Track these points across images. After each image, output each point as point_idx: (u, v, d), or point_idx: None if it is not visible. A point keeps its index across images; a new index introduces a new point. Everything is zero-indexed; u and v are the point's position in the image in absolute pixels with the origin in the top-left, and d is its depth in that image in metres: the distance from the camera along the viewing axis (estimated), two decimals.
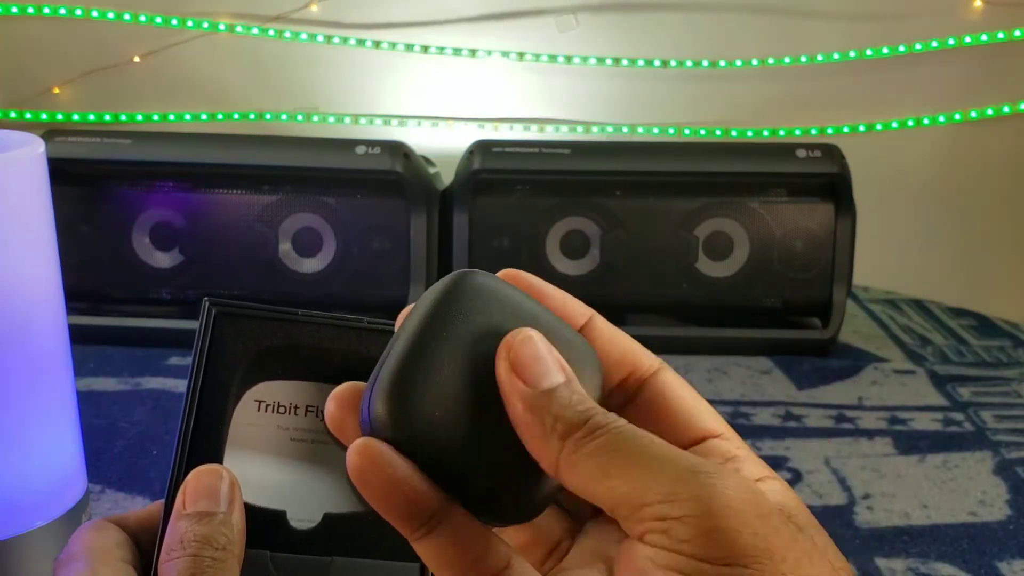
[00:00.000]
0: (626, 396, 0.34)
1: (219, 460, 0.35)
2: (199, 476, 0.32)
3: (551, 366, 0.30)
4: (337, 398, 0.31)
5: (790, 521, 0.29)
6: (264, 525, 0.35)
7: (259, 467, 0.36)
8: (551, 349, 0.30)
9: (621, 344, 0.34)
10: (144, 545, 0.34)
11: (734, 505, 0.27)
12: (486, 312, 0.31)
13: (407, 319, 0.31)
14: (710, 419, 0.33)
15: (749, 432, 0.86)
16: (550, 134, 1.60)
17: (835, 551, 0.30)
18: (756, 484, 0.29)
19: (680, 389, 0.34)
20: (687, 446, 0.33)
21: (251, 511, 0.33)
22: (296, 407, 0.37)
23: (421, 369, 0.29)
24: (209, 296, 0.36)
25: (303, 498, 0.36)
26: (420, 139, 1.55)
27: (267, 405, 0.36)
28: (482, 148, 1.04)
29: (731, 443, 0.33)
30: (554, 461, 0.29)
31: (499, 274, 0.34)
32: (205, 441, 0.35)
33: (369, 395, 0.30)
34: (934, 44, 1.57)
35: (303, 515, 0.36)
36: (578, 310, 0.34)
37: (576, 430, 0.29)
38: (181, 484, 0.32)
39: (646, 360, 0.34)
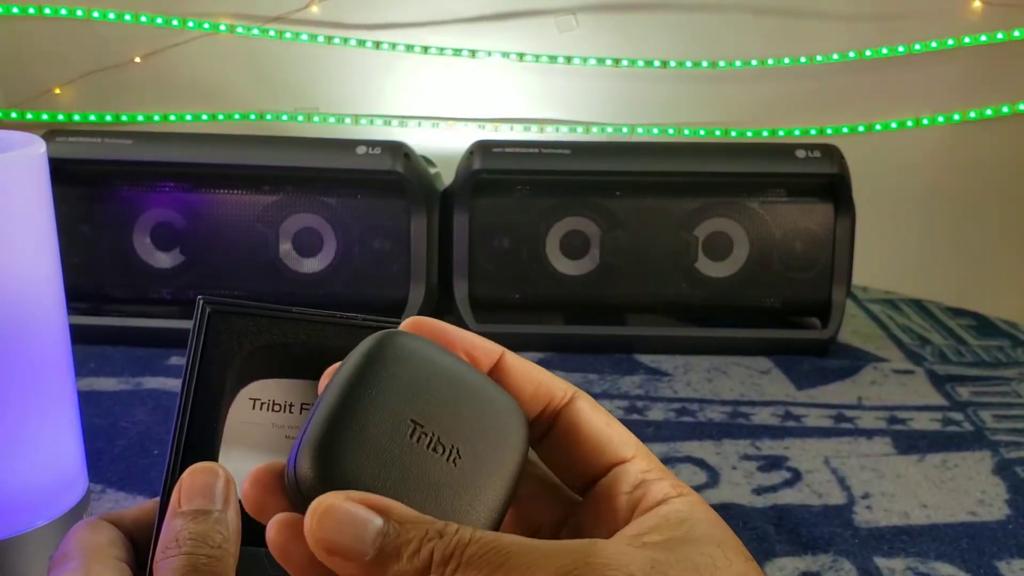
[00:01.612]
0: (542, 429, 0.34)
1: (214, 458, 0.35)
2: (194, 474, 0.32)
3: (364, 515, 0.28)
4: (255, 480, 0.31)
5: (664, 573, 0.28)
6: (259, 523, 0.35)
7: (254, 465, 0.36)
8: (353, 497, 0.28)
9: (533, 378, 0.34)
10: (139, 543, 0.35)
11: (608, 567, 0.27)
12: (407, 371, 0.31)
13: (331, 381, 0.31)
14: (620, 445, 0.33)
15: (749, 432, 0.86)
16: (550, 134, 1.61)
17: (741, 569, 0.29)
18: (625, 547, 0.29)
19: (592, 416, 0.34)
20: (600, 473, 0.33)
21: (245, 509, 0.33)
22: (291, 405, 0.37)
23: (345, 428, 0.29)
24: (203, 295, 0.37)
25: None
26: (420, 139, 1.55)
27: (262, 403, 0.36)
28: (482, 148, 1.04)
29: (639, 464, 0.33)
30: None
31: (403, 324, 0.34)
32: (200, 439, 0.36)
33: (295, 455, 0.30)
34: (934, 44, 1.57)
35: None
36: (487, 351, 0.34)
37: (426, 574, 0.27)
38: (176, 482, 0.32)
39: (559, 391, 0.34)
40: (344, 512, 0.28)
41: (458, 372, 0.32)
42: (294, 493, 0.30)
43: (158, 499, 0.34)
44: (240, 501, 0.32)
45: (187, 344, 0.36)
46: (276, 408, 0.37)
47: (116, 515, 0.35)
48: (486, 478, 0.31)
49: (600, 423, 0.34)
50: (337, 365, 0.31)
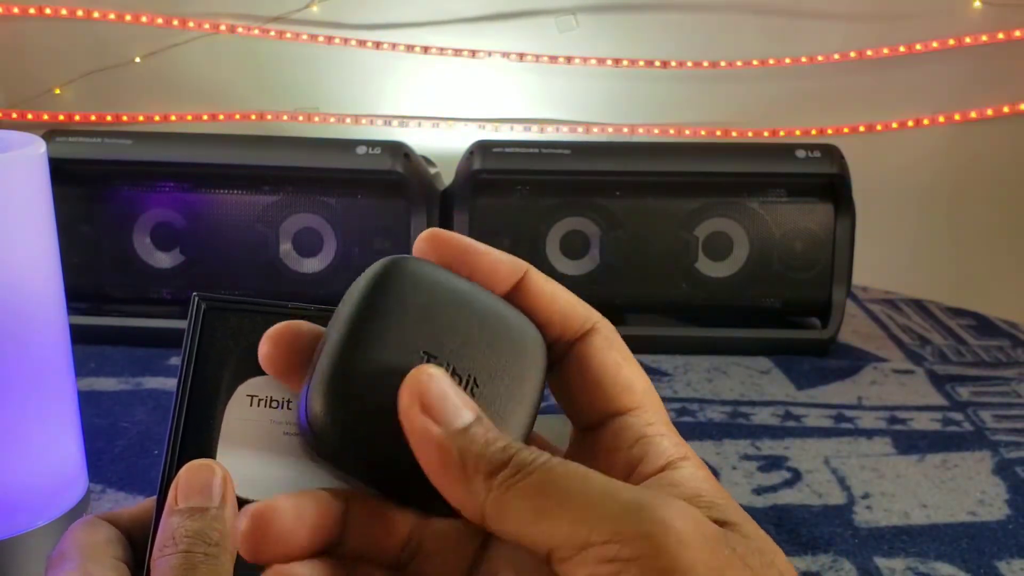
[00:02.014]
0: (556, 358, 0.33)
1: (211, 455, 0.35)
2: (191, 471, 0.32)
3: (460, 405, 0.28)
4: (275, 338, 0.31)
5: (732, 550, 0.27)
6: None
7: (252, 462, 0.36)
8: (455, 387, 0.29)
9: (555, 302, 0.33)
10: (137, 542, 0.34)
11: (685, 540, 0.26)
12: (415, 298, 0.30)
13: (338, 311, 0.30)
14: (624, 391, 0.32)
15: (748, 432, 0.86)
16: (550, 134, 1.61)
17: (772, 550, 0.29)
18: (698, 512, 0.27)
19: (604, 355, 0.32)
20: (600, 419, 0.32)
21: (244, 506, 0.33)
22: (289, 401, 0.37)
23: (355, 364, 0.29)
24: (198, 292, 0.37)
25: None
26: (420, 139, 1.55)
27: (259, 399, 0.36)
28: (482, 148, 1.04)
29: (642, 416, 0.31)
30: (479, 505, 0.27)
31: (423, 237, 0.32)
32: (197, 436, 0.36)
33: (305, 395, 0.29)
34: (934, 44, 1.57)
35: None
36: (509, 269, 0.32)
37: (501, 468, 0.27)
38: (173, 480, 0.32)
39: (577, 321, 0.32)
40: (447, 390, 0.28)
41: (470, 296, 0.31)
42: (307, 434, 0.29)
43: (155, 497, 0.34)
44: (234, 497, 0.32)
45: (183, 342, 0.36)
46: (274, 404, 0.37)
47: (113, 514, 0.35)
48: (504, 405, 0.30)
49: (610, 363, 0.32)
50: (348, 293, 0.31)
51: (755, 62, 1.59)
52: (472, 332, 0.31)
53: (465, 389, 0.30)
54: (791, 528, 0.70)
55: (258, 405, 0.36)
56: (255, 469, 0.36)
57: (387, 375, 0.29)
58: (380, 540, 0.31)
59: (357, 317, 0.30)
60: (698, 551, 0.26)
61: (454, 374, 0.30)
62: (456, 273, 0.32)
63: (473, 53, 1.59)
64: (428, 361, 0.30)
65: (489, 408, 0.30)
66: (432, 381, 0.28)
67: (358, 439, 0.29)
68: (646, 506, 0.26)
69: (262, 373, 0.37)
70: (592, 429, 0.32)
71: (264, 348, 0.31)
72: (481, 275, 0.32)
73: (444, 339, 0.30)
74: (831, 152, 1.03)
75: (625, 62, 1.59)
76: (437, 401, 0.28)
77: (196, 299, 0.36)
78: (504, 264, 0.32)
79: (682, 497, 0.29)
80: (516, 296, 0.32)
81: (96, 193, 1.03)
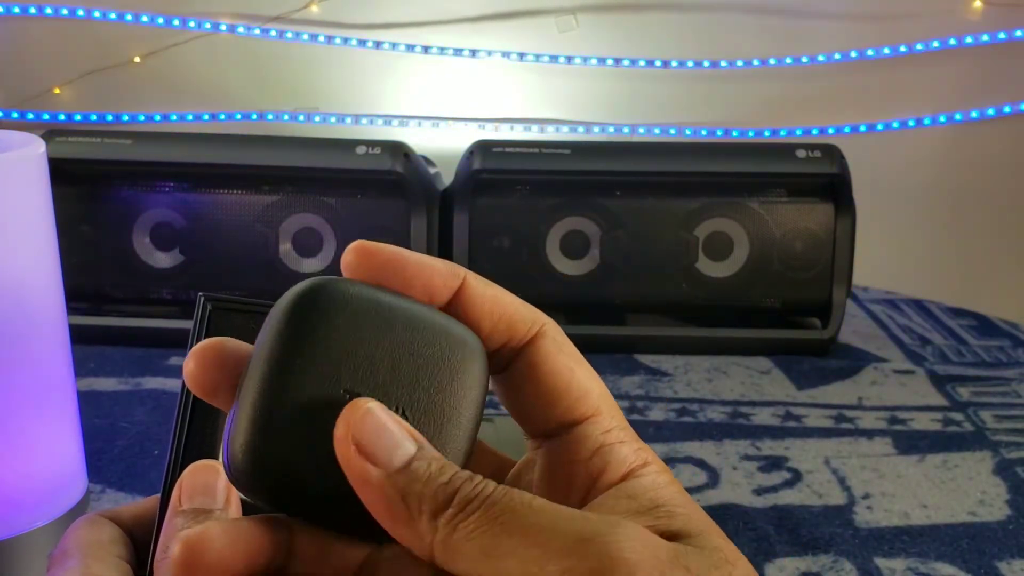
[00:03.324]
0: (502, 365, 0.31)
1: (215, 456, 0.35)
2: (195, 472, 0.32)
3: (399, 437, 0.27)
4: (199, 356, 0.29)
5: (685, 569, 0.26)
6: None
7: None
8: (393, 418, 0.28)
9: (496, 308, 0.31)
10: (139, 540, 0.34)
11: (635, 570, 0.25)
12: (337, 329, 0.29)
13: (259, 341, 0.29)
14: (579, 398, 0.30)
15: (749, 432, 0.86)
16: (550, 134, 1.61)
17: (732, 560, 0.28)
18: (649, 534, 0.26)
19: (553, 361, 0.30)
20: (554, 428, 0.31)
21: (247, 507, 0.33)
22: None
23: (273, 412, 0.28)
24: (204, 292, 0.37)
25: None
26: (420, 139, 1.55)
27: None
28: (482, 148, 1.04)
29: (600, 423, 0.30)
30: (428, 546, 0.26)
31: (347, 250, 0.30)
32: (201, 437, 0.35)
33: (226, 443, 0.28)
34: (934, 44, 1.57)
35: None
36: (446, 277, 0.31)
37: (446, 507, 0.26)
38: (177, 480, 0.32)
39: (522, 327, 0.31)
40: (384, 422, 0.27)
41: (400, 316, 0.29)
42: (229, 475, 0.29)
43: (158, 496, 0.34)
44: (237, 498, 0.32)
45: (188, 341, 0.36)
46: None
47: (115, 512, 0.35)
48: (439, 430, 0.29)
49: (562, 369, 0.30)
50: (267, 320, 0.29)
51: (755, 62, 1.59)
52: (400, 357, 0.29)
53: None
54: (791, 528, 0.70)
55: None
56: None
57: (311, 417, 0.28)
58: (331, 569, 0.30)
59: (272, 356, 0.28)
60: (648, 574, 0.25)
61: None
62: (387, 288, 0.30)
63: (473, 53, 1.59)
64: (348, 397, 0.28)
65: (424, 435, 0.29)
66: (367, 417, 0.27)
67: (289, 485, 0.28)
68: (595, 538, 0.25)
69: None
70: (548, 438, 0.31)
71: (188, 366, 0.30)
72: (416, 287, 0.30)
73: (369, 371, 0.29)
74: (831, 152, 1.03)
75: (625, 62, 1.59)
76: (373, 439, 0.27)
77: (202, 299, 0.36)
78: (439, 273, 0.31)
79: (641, 510, 0.28)
80: (456, 305, 0.31)
81: (96, 193, 1.03)
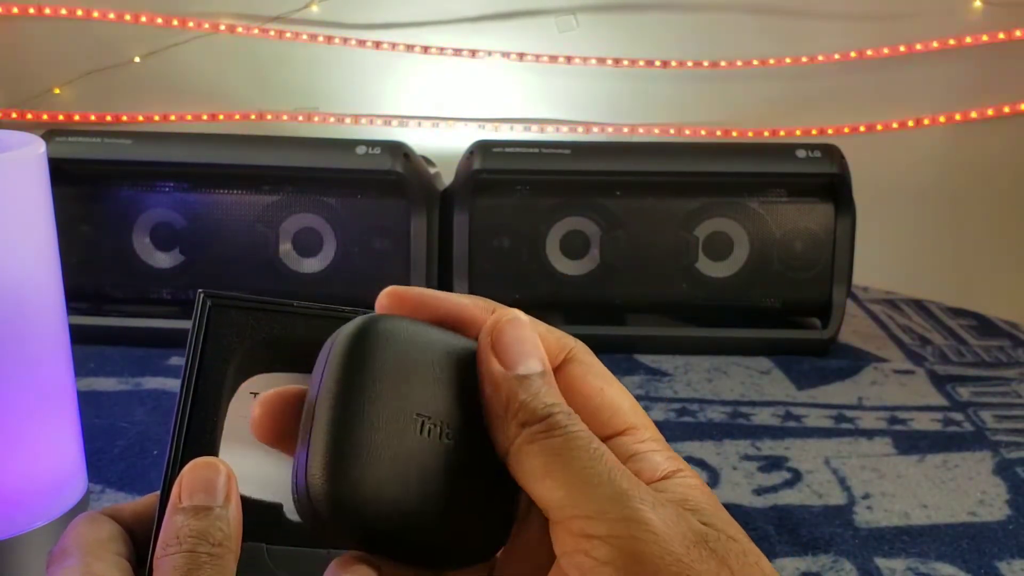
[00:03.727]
0: None
1: (215, 453, 0.35)
2: (195, 469, 0.32)
3: (530, 352, 0.30)
4: (267, 405, 0.31)
5: (711, 551, 0.28)
6: (260, 518, 0.35)
7: (255, 460, 0.36)
8: (535, 337, 0.31)
9: None
10: (139, 538, 0.34)
11: (659, 532, 0.28)
12: (394, 360, 0.30)
13: (322, 382, 0.30)
14: (613, 415, 0.32)
15: (749, 432, 0.86)
16: (550, 134, 1.61)
17: (757, 554, 0.29)
18: (681, 512, 0.29)
19: (583, 382, 0.32)
20: None
21: (247, 504, 0.33)
22: None
23: (353, 437, 0.29)
24: (204, 289, 0.36)
25: None
26: (420, 139, 1.55)
27: None
28: (482, 148, 1.04)
29: (635, 436, 0.32)
30: (506, 446, 0.29)
31: (382, 295, 0.32)
32: (200, 434, 0.35)
33: (303, 472, 0.29)
34: (934, 44, 1.57)
35: None
36: (475, 314, 0.33)
37: (535, 422, 0.29)
38: (176, 477, 0.32)
39: (552, 352, 0.32)
40: (525, 334, 0.30)
41: (445, 346, 0.31)
42: (304, 512, 0.29)
43: (158, 493, 0.34)
44: (237, 495, 0.32)
45: (187, 339, 0.36)
46: None
47: (115, 509, 0.35)
48: (492, 460, 0.30)
49: (593, 389, 0.32)
50: (325, 355, 0.30)
51: (755, 62, 1.59)
52: (454, 380, 0.31)
53: (456, 446, 0.30)
54: (791, 528, 0.70)
55: None
56: (257, 467, 0.36)
57: (387, 442, 0.29)
58: None
59: (343, 386, 0.29)
60: (669, 542, 0.27)
61: (446, 430, 0.30)
62: (424, 322, 0.32)
63: (473, 53, 1.59)
64: (424, 423, 0.30)
65: (479, 460, 0.30)
66: (508, 325, 0.30)
67: (367, 510, 0.29)
68: (633, 496, 0.28)
69: (266, 370, 0.36)
70: None
71: (255, 412, 0.32)
72: (449, 322, 0.32)
73: (430, 394, 0.30)
74: (831, 152, 1.03)
75: (625, 62, 1.59)
76: (508, 345, 0.30)
77: (201, 296, 0.36)
78: (468, 307, 0.33)
79: (672, 501, 0.30)
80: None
81: (96, 193, 1.03)
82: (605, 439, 0.32)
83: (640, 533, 0.27)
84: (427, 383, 0.30)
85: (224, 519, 0.31)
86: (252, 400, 0.36)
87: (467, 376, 0.31)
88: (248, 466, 0.35)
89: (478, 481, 0.30)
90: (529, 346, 0.30)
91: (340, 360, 0.30)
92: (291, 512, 0.36)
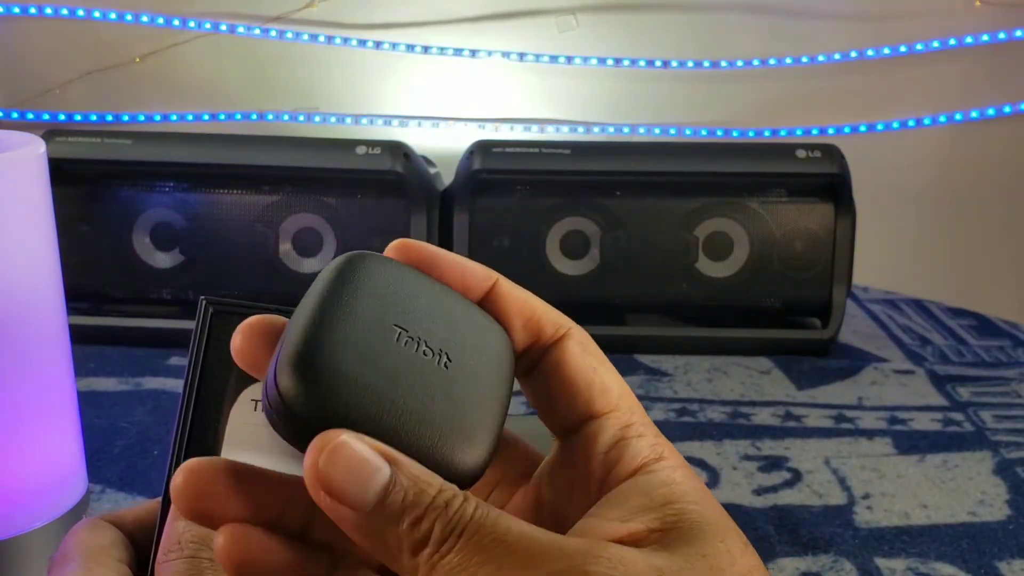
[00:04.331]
0: (529, 365, 0.32)
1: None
2: None
3: (369, 467, 0.26)
4: (247, 331, 0.29)
5: None
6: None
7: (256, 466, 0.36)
8: (364, 442, 0.26)
9: (526, 309, 0.32)
10: (140, 544, 0.34)
11: None
12: (384, 285, 0.29)
13: (304, 298, 0.29)
14: (601, 394, 0.31)
15: (749, 432, 0.86)
16: (550, 134, 1.60)
17: (737, 558, 0.28)
18: (629, 558, 0.26)
19: (578, 359, 0.31)
20: (576, 424, 0.31)
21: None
22: None
23: (326, 335, 0.27)
24: (205, 295, 0.36)
25: None
26: (420, 139, 1.55)
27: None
28: (482, 148, 1.04)
29: (619, 418, 0.31)
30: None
31: (392, 246, 0.31)
32: (202, 440, 0.35)
33: (273, 370, 0.27)
34: (934, 44, 1.57)
35: None
36: (479, 277, 0.32)
37: (423, 545, 0.26)
38: None
39: (549, 328, 0.32)
40: (354, 453, 0.26)
41: (439, 293, 0.31)
42: (278, 412, 0.27)
43: (159, 499, 0.34)
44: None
45: (189, 344, 0.36)
46: None
47: (117, 515, 0.35)
48: (478, 386, 0.29)
49: (585, 367, 0.31)
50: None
51: (755, 62, 1.59)
52: (442, 320, 0.30)
53: (438, 363, 0.29)
54: (791, 528, 0.70)
55: (262, 410, 0.36)
56: None
57: (359, 343, 0.28)
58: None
59: (324, 295, 0.28)
60: None
61: (427, 347, 0.29)
62: (422, 271, 0.31)
63: (473, 53, 1.59)
64: (400, 334, 0.28)
65: (461, 384, 0.29)
66: (335, 453, 0.26)
67: (333, 412, 0.27)
68: (579, 553, 0.26)
69: None
70: (570, 434, 0.32)
71: (235, 340, 0.30)
72: (452, 283, 0.31)
73: (414, 317, 0.29)
74: (831, 152, 1.03)
75: (625, 62, 1.59)
76: (343, 478, 0.26)
77: (204, 303, 0.36)
78: (475, 272, 0.32)
79: (651, 506, 0.29)
80: (487, 304, 0.32)
81: (96, 193, 1.03)
82: (589, 419, 0.31)
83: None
84: (412, 310, 0.29)
85: None
86: (253, 407, 0.36)
87: (453, 320, 0.30)
88: None
89: (459, 402, 0.29)
90: (363, 465, 0.26)
91: (327, 277, 0.29)
92: None
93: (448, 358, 0.29)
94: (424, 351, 0.29)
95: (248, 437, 0.36)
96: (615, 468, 0.30)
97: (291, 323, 0.28)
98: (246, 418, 0.36)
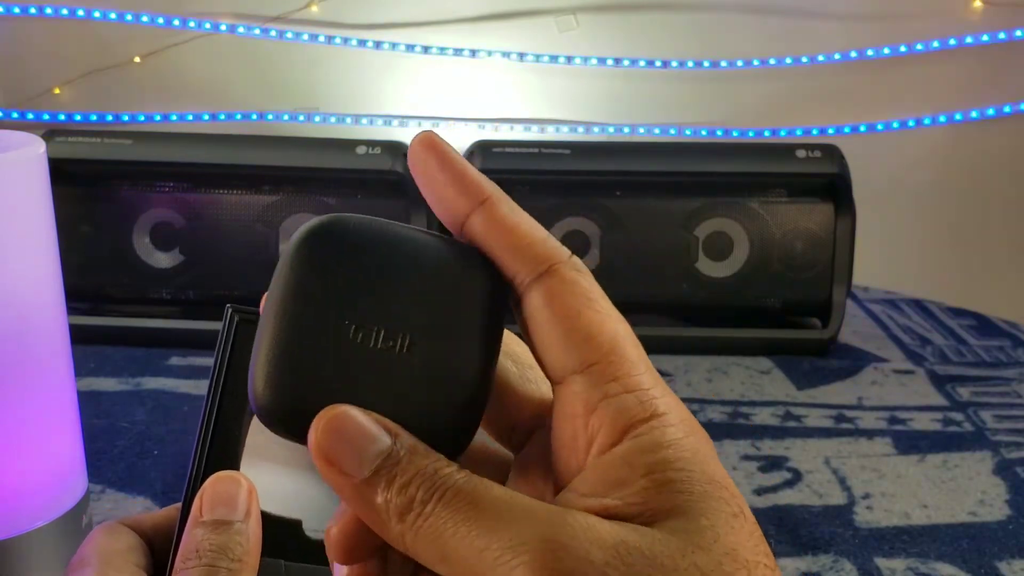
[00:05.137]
0: (513, 304, 0.30)
1: (236, 468, 0.35)
2: (217, 483, 0.32)
3: (370, 437, 0.27)
4: (339, 544, 0.29)
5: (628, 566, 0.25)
6: (280, 534, 0.35)
7: (276, 476, 0.36)
8: (362, 415, 0.27)
9: (514, 238, 0.29)
10: (158, 549, 0.34)
11: (574, 544, 0.25)
12: (340, 265, 0.29)
13: (272, 285, 0.30)
14: (581, 345, 0.28)
15: (749, 432, 0.86)
16: (550, 134, 1.61)
17: (709, 541, 0.26)
18: (595, 529, 0.26)
19: (563, 301, 0.28)
20: (561, 378, 0.29)
21: (267, 519, 0.33)
22: None
23: (284, 353, 0.28)
24: (231, 304, 0.36)
25: (319, 508, 0.36)
26: None
27: None
28: (482, 148, 1.04)
29: (604, 373, 0.28)
30: (403, 546, 0.27)
31: (417, 141, 0.31)
32: (223, 448, 0.35)
33: (250, 378, 0.29)
34: (934, 44, 1.57)
35: (319, 525, 0.36)
36: (470, 193, 0.30)
37: (407, 511, 0.26)
38: (198, 490, 0.32)
39: (530, 263, 0.29)
40: (354, 424, 0.27)
41: (405, 246, 0.30)
42: (261, 420, 0.29)
43: (178, 505, 0.34)
44: (258, 510, 0.32)
45: (193, 345, 0.36)
46: None
47: (135, 520, 0.35)
48: (449, 358, 0.29)
49: (567, 312, 0.28)
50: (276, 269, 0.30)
51: (755, 62, 1.59)
52: (408, 285, 0.29)
53: (401, 349, 0.29)
54: (791, 528, 0.70)
55: None
56: (278, 483, 0.36)
57: (322, 351, 0.28)
58: None
59: (280, 301, 0.29)
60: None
61: (387, 337, 0.29)
62: (391, 222, 0.31)
63: (473, 53, 1.59)
64: (355, 331, 0.29)
65: (430, 363, 0.29)
66: (332, 424, 0.27)
67: (306, 417, 0.28)
68: (548, 522, 0.26)
69: None
70: (557, 388, 0.29)
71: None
72: (443, 207, 0.30)
73: (373, 304, 0.29)
74: (831, 152, 1.03)
75: (625, 62, 1.59)
76: (340, 449, 0.27)
77: (229, 311, 0.36)
78: (464, 188, 0.30)
79: (630, 479, 0.27)
80: (473, 230, 0.30)
81: (96, 193, 1.03)
82: (571, 373, 0.28)
83: (556, 545, 0.25)
84: (370, 291, 0.29)
85: (244, 534, 0.31)
86: None
87: (421, 282, 0.29)
88: (269, 482, 0.35)
89: (428, 384, 0.29)
90: (361, 437, 0.27)
91: (288, 262, 0.30)
92: (310, 529, 0.36)
93: (411, 340, 0.29)
94: (385, 342, 0.29)
95: (268, 447, 0.36)
96: (599, 436, 0.28)
97: (259, 328, 0.29)
98: None
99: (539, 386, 0.32)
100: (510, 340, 0.32)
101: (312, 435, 0.27)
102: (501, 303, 0.30)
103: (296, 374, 0.28)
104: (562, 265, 0.29)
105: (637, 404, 0.27)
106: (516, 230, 0.29)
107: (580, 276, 0.29)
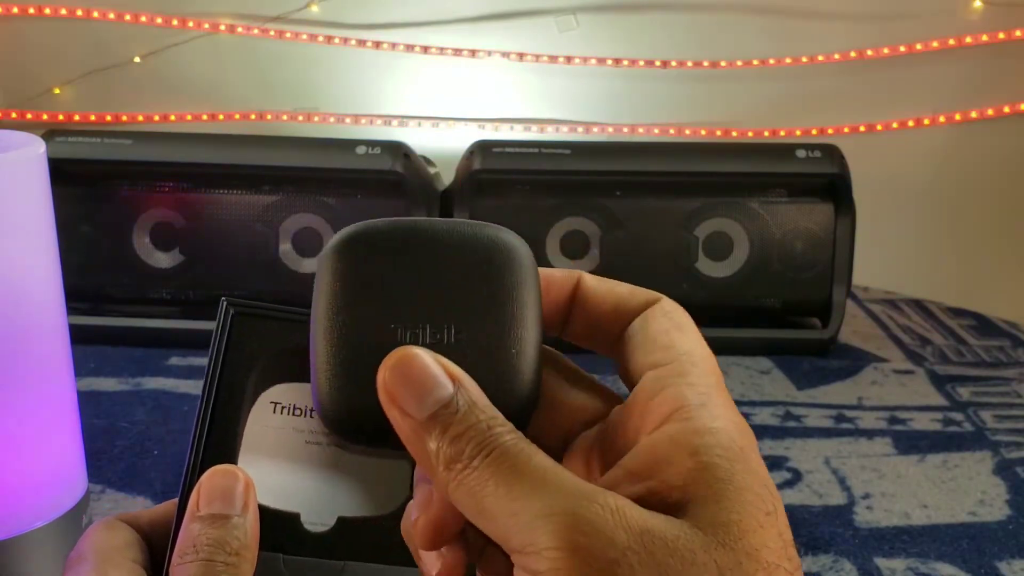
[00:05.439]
0: (618, 331, 0.34)
1: (234, 461, 0.35)
2: (214, 477, 0.32)
3: (432, 382, 0.29)
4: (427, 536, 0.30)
5: (651, 553, 0.26)
6: (278, 527, 0.35)
7: (274, 469, 0.36)
8: (430, 360, 0.29)
9: (609, 299, 0.34)
10: (156, 545, 0.34)
11: (601, 523, 0.26)
12: (380, 273, 0.31)
13: (314, 295, 0.31)
14: (661, 351, 0.31)
15: None
16: (550, 134, 1.61)
17: (733, 539, 0.27)
18: (620, 512, 0.26)
19: (652, 324, 0.32)
20: (638, 376, 0.32)
21: (265, 513, 0.33)
22: (312, 410, 0.36)
23: (340, 362, 0.30)
24: (226, 296, 0.36)
25: (317, 501, 0.36)
26: (420, 139, 1.55)
27: (283, 407, 0.36)
28: (482, 148, 1.04)
29: (671, 369, 0.31)
30: (446, 492, 0.28)
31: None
32: (220, 442, 0.35)
33: (315, 392, 0.30)
34: (934, 44, 1.57)
35: (317, 518, 0.36)
36: (559, 280, 0.34)
37: (456, 461, 0.28)
38: (195, 484, 0.32)
39: (633, 304, 0.33)
40: (419, 366, 0.29)
41: (433, 238, 0.32)
42: (327, 427, 0.31)
43: (175, 500, 0.34)
44: (255, 504, 0.32)
45: (192, 346, 0.36)
46: (296, 412, 0.36)
47: (133, 516, 0.35)
48: (498, 336, 0.30)
49: (659, 329, 0.32)
50: (317, 270, 0.32)
51: (755, 62, 1.59)
52: (444, 280, 0.31)
53: (449, 340, 0.30)
54: (791, 528, 0.70)
55: (281, 412, 0.36)
56: (276, 476, 0.36)
57: (370, 358, 0.29)
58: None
59: (327, 311, 0.30)
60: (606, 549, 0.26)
61: (433, 332, 0.30)
62: (415, 218, 0.32)
63: (473, 53, 1.59)
64: (401, 332, 0.30)
65: (478, 349, 0.30)
66: (399, 365, 0.29)
67: (367, 422, 0.30)
68: (555, 514, 0.26)
69: (286, 380, 0.36)
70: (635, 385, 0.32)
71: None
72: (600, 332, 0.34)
73: (414, 303, 0.30)
74: (831, 152, 1.03)
75: (625, 62, 1.59)
76: (404, 389, 0.28)
77: (224, 304, 0.36)
78: (553, 276, 0.33)
79: (670, 460, 0.28)
80: (575, 304, 0.34)
81: (96, 193, 1.03)
82: (647, 370, 0.31)
83: (576, 535, 0.26)
84: (416, 287, 0.30)
85: (241, 528, 0.31)
86: (272, 409, 0.36)
87: (460, 269, 0.31)
88: (266, 475, 0.35)
89: (485, 369, 0.30)
90: (426, 379, 0.29)
91: (326, 272, 0.31)
92: (308, 522, 0.36)
93: (456, 330, 0.30)
94: (433, 337, 0.30)
95: (265, 440, 0.36)
96: (652, 416, 0.30)
97: (311, 341, 0.30)
98: (265, 420, 0.36)
99: (587, 395, 0.35)
100: (555, 355, 0.34)
101: (381, 372, 0.29)
102: (533, 278, 0.32)
103: (357, 384, 0.29)
104: (664, 301, 0.33)
105: (694, 395, 0.29)
106: (613, 292, 0.33)
107: (675, 310, 0.33)
